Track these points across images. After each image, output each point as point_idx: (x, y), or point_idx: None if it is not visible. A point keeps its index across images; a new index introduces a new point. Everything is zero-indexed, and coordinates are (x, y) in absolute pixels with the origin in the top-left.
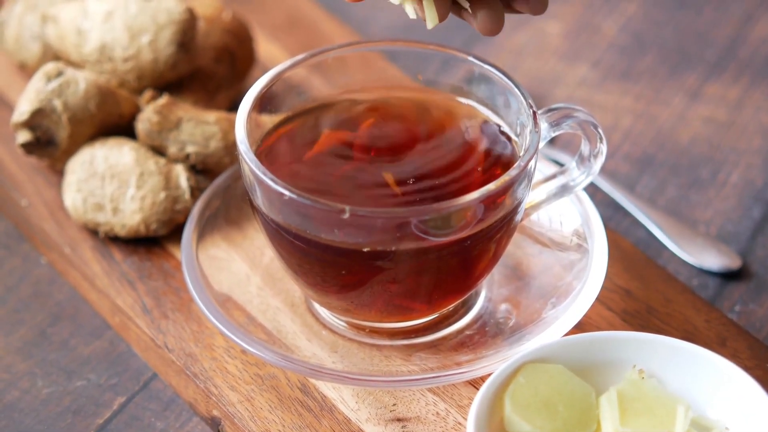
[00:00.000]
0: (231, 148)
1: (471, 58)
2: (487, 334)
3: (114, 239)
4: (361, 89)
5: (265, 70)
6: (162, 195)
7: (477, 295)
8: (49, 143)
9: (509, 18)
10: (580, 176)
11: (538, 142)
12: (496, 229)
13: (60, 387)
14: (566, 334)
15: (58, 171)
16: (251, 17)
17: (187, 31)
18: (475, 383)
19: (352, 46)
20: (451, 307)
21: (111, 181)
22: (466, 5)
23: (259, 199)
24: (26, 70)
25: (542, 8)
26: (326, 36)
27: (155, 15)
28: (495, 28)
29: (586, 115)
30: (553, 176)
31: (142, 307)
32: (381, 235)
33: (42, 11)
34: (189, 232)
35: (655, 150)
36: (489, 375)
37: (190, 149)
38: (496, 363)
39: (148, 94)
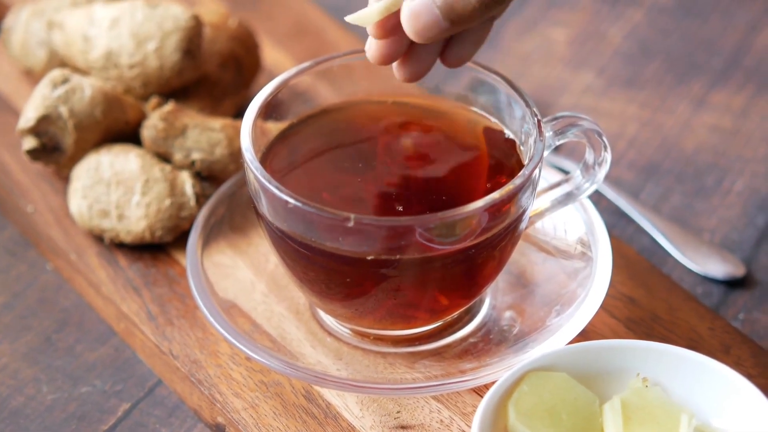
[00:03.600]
0: (236, 155)
1: (475, 66)
2: (492, 341)
3: (119, 246)
4: (366, 97)
5: (270, 77)
6: (167, 202)
7: (481, 302)
8: (55, 150)
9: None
10: (584, 184)
11: (543, 151)
12: (501, 237)
13: (65, 393)
14: (570, 342)
15: (63, 177)
16: (257, 24)
17: (193, 38)
18: (479, 391)
19: (358, 53)
20: (455, 314)
21: (116, 188)
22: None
23: (264, 207)
24: (32, 77)
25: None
26: (332, 43)
27: (161, 22)
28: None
29: (590, 124)
30: (558, 184)
31: (147, 314)
32: (385, 244)
33: (48, 18)
34: (194, 238)
35: (660, 158)
36: (493, 383)
37: (196, 156)
38: (500, 371)
39: (153, 100)
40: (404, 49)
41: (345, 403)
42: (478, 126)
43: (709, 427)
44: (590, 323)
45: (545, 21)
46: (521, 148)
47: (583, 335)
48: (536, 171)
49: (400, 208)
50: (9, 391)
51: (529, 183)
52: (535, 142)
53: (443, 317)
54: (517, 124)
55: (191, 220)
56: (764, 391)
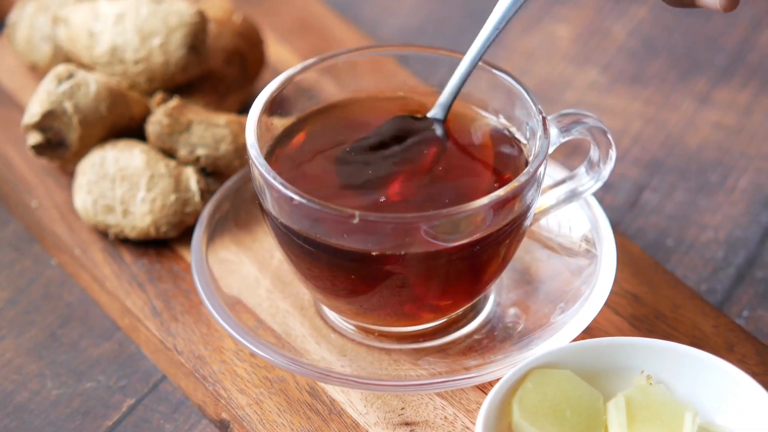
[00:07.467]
0: (241, 150)
1: (481, 63)
2: (496, 338)
3: (124, 241)
4: (371, 93)
5: (275, 73)
6: (172, 197)
7: (486, 299)
8: (60, 145)
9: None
10: (589, 182)
11: (548, 148)
12: (506, 234)
13: (69, 388)
14: (574, 340)
15: (68, 173)
16: (262, 20)
17: (198, 33)
18: (483, 388)
19: (363, 50)
20: (459, 311)
21: (121, 183)
22: None
23: (269, 203)
24: (37, 72)
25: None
26: (337, 39)
27: (166, 17)
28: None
29: (595, 121)
30: (563, 181)
31: (151, 310)
32: (390, 240)
33: (53, 13)
34: (199, 234)
35: (664, 154)
36: (497, 380)
37: (201, 152)
38: (504, 368)
39: (158, 96)
40: None
41: (349, 400)
42: (482, 122)
43: (713, 424)
44: (594, 320)
45: (549, 17)
46: (526, 145)
47: (588, 332)
48: (541, 168)
49: (405, 205)
50: (13, 386)
51: (534, 180)
52: (540, 139)
53: (448, 314)
54: (521, 121)
55: (196, 215)
56: None
